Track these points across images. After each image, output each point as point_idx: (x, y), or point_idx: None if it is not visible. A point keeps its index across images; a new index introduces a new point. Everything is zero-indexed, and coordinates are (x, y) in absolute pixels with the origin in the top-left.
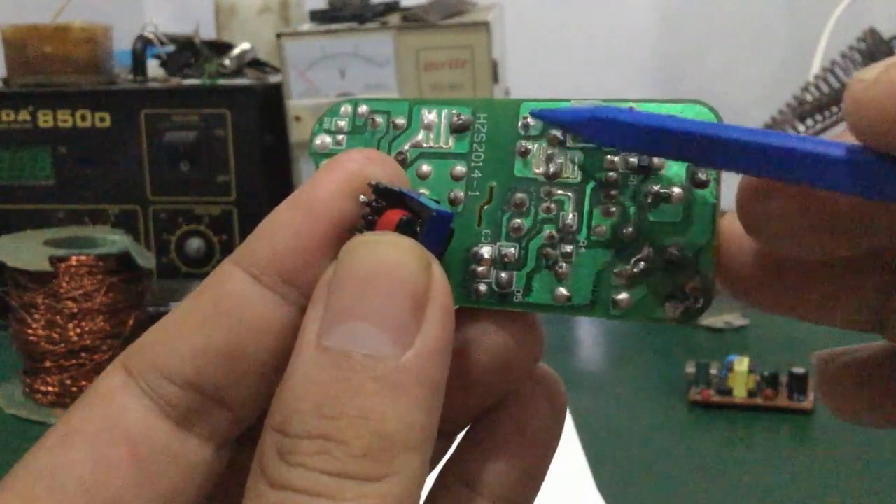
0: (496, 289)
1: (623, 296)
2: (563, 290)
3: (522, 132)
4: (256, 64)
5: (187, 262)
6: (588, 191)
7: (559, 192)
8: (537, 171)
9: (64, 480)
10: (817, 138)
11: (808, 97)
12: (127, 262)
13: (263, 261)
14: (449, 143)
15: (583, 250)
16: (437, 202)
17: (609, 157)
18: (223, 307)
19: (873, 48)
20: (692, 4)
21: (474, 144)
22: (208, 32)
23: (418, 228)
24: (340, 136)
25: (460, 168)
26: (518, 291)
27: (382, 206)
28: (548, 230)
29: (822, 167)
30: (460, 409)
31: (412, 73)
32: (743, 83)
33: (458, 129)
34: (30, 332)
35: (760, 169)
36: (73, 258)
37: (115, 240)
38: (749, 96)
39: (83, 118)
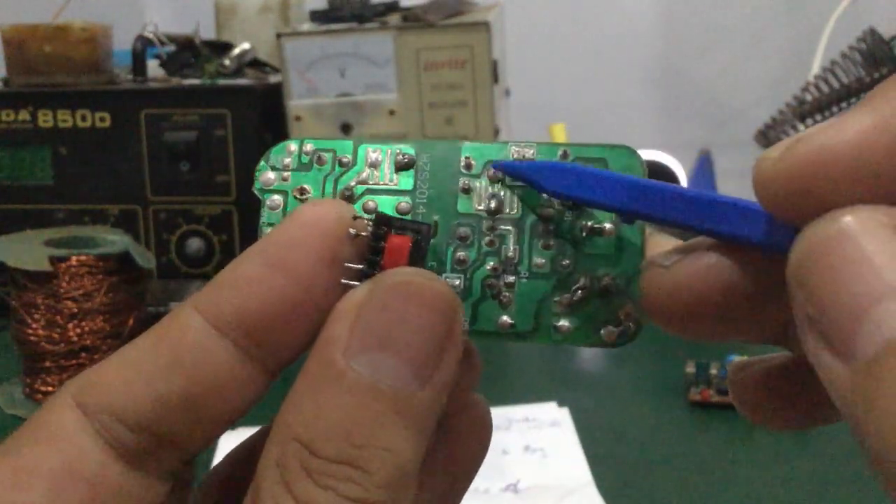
0: None
1: (563, 322)
2: (506, 318)
3: (464, 171)
4: (256, 64)
5: (187, 262)
6: (528, 225)
7: (501, 226)
8: (479, 207)
9: None
10: (734, 198)
11: (808, 97)
12: (127, 262)
13: (229, 315)
14: (394, 180)
15: (524, 281)
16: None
17: (545, 194)
18: (184, 358)
19: (873, 48)
20: (692, 5)
21: (418, 182)
22: (208, 32)
23: (423, 246)
24: (286, 173)
25: (405, 204)
26: (465, 320)
27: (384, 232)
28: (491, 262)
29: (731, 219)
30: None
31: (412, 73)
32: (743, 83)
33: (402, 168)
34: (30, 332)
35: (689, 219)
36: (73, 258)
37: (115, 240)
38: (749, 96)
39: (83, 118)
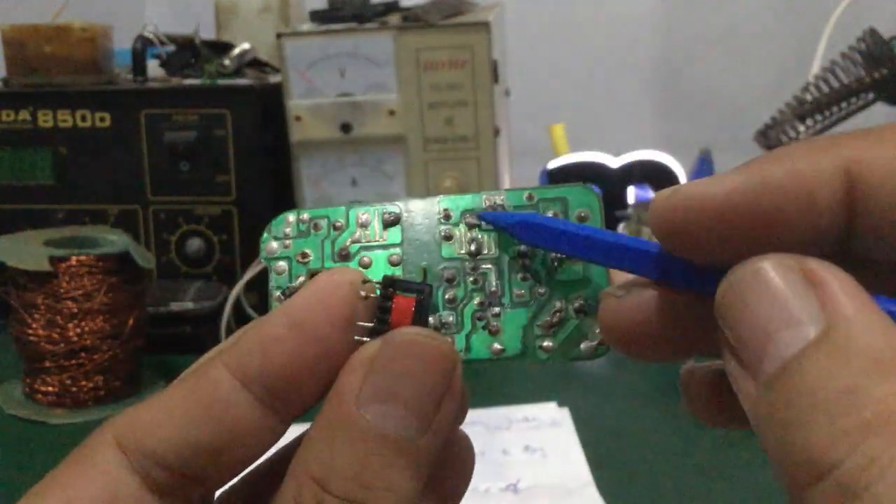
0: None
1: (547, 343)
2: (497, 345)
3: (444, 221)
4: (256, 64)
5: (187, 262)
6: (506, 262)
7: (482, 266)
8: (461, 251)
9: None
10: (647, 241)
11: (808, 97)
12: (127, 262)
13: (253, 372)
14: (384, 236)
15: (508, 311)
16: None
17: None
18: (212, 411)
19: (873, 48)
20: (692, 5)
21: (405, 235)
22: (208, 32)
23: (425, 304)
24: (288, 241)
25: (396, 256)
26: (461, 350)
27: (391, 293)
28: (477, 298)
29: (640, 260)
30: None
31: (412, 73)
32: (743, 83)
33: (389, 224)
34: (30, 332)
35: (618, 261)
36: (73, 258)
37: (115, 240)
38: (749, 96)
39: (83, 118)
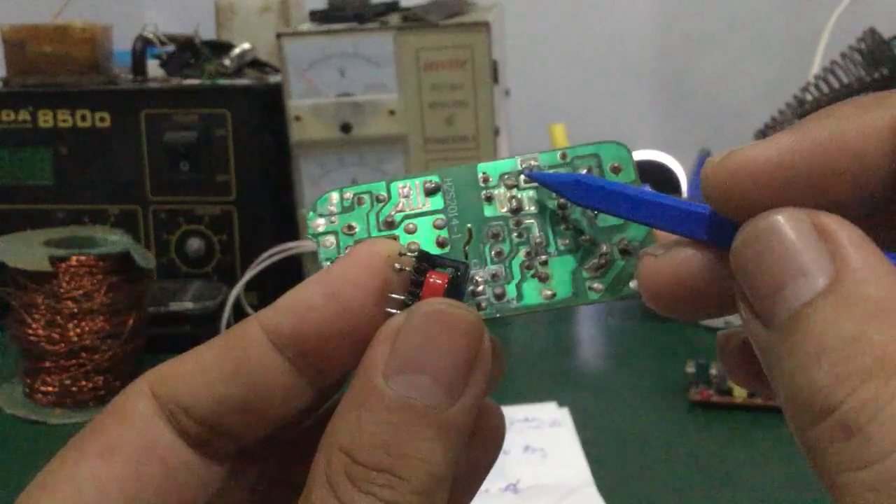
0: (495, 301)
1: (597, 284)
2: (548, 291)
3: (483, 184)
4: (256, 64)
5: (187, 262)
6: (547, 215)
7: (525, 220)
8: (503, 210)
9: (109, 491)
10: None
11: (808, 97)
12: (127, 262)
13: (287, 335)
14: (426, 204)
15: (555, 258)
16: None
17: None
18: (244, 369)
19: (873, 48)
20: (692, 5)
21: (447, 201)
22: (208, 32)
23: (459, 282)
24: (333, 217)
25: (440, 220)
26: (513, 299)
27: (426, 267)
28: (523, 249)
29: (689, 221)
30: None
31: (412, 73)
32: (743, 83)
33: (430, 193)
34: (30, 332)
35: (663, 222)
36: (73, 258)
37: (115, 240)
38: (749, 96)
39: (83, 118)
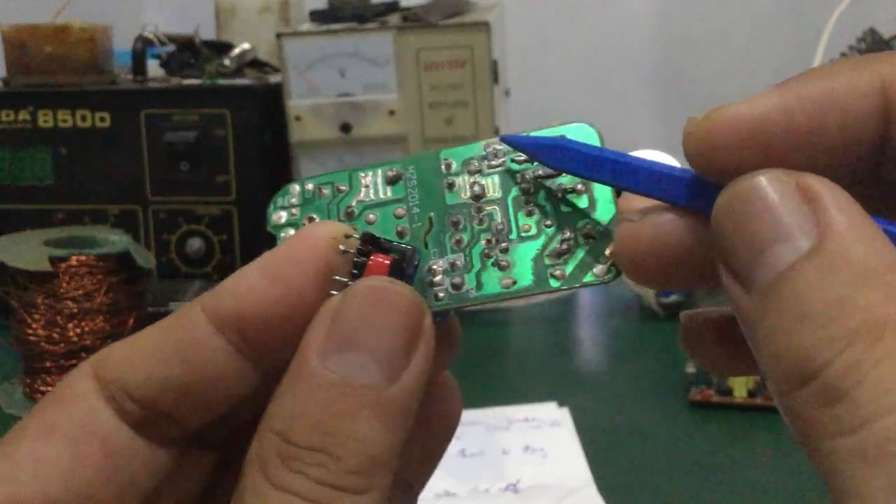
0: (452, 291)
1: (559, 271)
2: (508, 279)
3: (445, 171)
4: (256, 64)
5: (187, 262)
6: (510, 201)
7: (487, 207)
8: (465, 196)
9: (47, 469)
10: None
11: None
12: (127, 262)
13: (228, 318)
14: (387, 193)
15: (516, 245)
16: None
17: (518, 174)
18: (185, 351)
19: (873, 48)
20: (692, 5)
21: (408, 189)
22: (208, 32)
23: (404, 267)
24: (294, 210)
25: (400, 209)
26: (472, 288)
27: (369, 250)
28: (484, 237)
29: (670, 185)
30: None
31: (412, 73)
32: (743, 83)
33: (392, 182)
34: (30, 332)
35: (648, 187)
36: (73, 258)
37: (115, 240)
38: (749, 96)
39: (83, 118)
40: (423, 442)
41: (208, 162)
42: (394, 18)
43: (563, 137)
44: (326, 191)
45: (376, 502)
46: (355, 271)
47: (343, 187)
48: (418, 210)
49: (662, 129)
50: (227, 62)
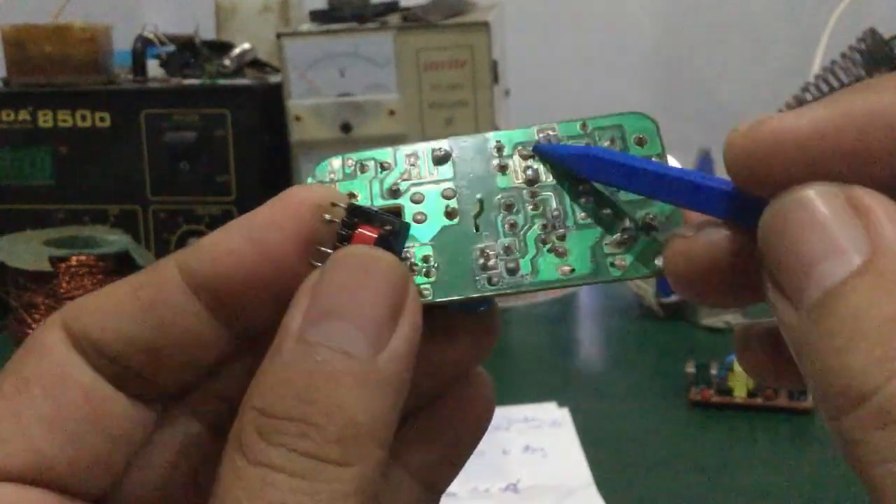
0: (507, 276)
1: (619, 260)
2: (566, 266)
3: (496, 154)
4: (256, 64)
5: None
6: (566, 187)
7: (542, 192)
8: (517, 180)
9: (28, 422)
10: (725, 183)
11: (808, 97)
12: (127, 262)
13: (203, 280)
14: (435, 173)
15: (574, 232)
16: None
17: None
18: (156, 310)
19: (873, 48)
20: (692, 5)
21: (457, 169)
22: (208, 32)
23: (391, 241)
24: (333, 185)
25: (449, 190)
26: (528, 274)
27: (355, 222)
28: (539, 222)
29: (710, 198)
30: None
31: (412, 73)
32: (743, 83)
33: (439, 161)
34: (30, 332)
35: (686, 200)
36: (73, 258)
37: (115, 240)
38: (749, 96)
39: (83, 118)
40: (449, 440)
41: (208, 162)
42: (394, 18)
43: (593, 146)
44: (369, 165)
45: (362, 478)
46: (340, 244)
47: (387, 163)
48: (468, 191)
49: (662, 129)
50: (227, 62)
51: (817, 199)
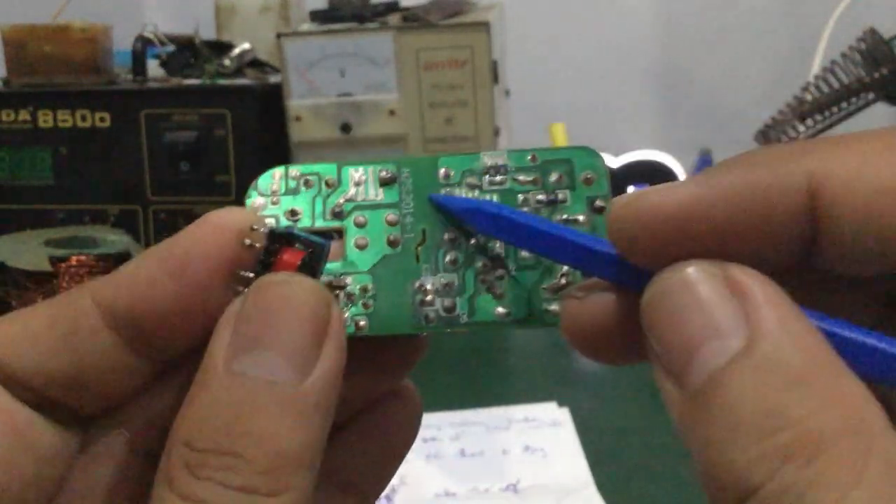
0: (443, 314)
1: (554, 306)
2: (501, 309)
3: (444, 181)
4: (256, 64)
5: None
6: None
7: None
8: None
9: None
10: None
11: (808, 97)
12: (127, 262)
13: (120, 312)
14: (379, 195)
15: (513, 273)
16: (317, 233)
17: (520, 195)
18: (72, 343)
19: (873, 48)
20: (692, 5)
21: (403, 195)
22: (208, 32)
23: (314, 264)
24: (276, 198)
25: (393, 215)
26: (463, 314)
27: (277, 248)
28: (480, 260)
29: (596, 261)
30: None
31: (412, 73)
32: (743, 83)
33: (385, 183)
34: None
35: (575, 262)
36: (73, 258)
37: (115, 240)
38: (749, 96)
39: (83, 118)
40: (378, 451)
41: (208, 162)
42: (394, 18)
43: (484, 201)
44: (314, 181)
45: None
46: (262, 270)
47: (332, 180)
48: (412, 219)
49: (662, 130)
50: (227, 62)
51: (697, 277)
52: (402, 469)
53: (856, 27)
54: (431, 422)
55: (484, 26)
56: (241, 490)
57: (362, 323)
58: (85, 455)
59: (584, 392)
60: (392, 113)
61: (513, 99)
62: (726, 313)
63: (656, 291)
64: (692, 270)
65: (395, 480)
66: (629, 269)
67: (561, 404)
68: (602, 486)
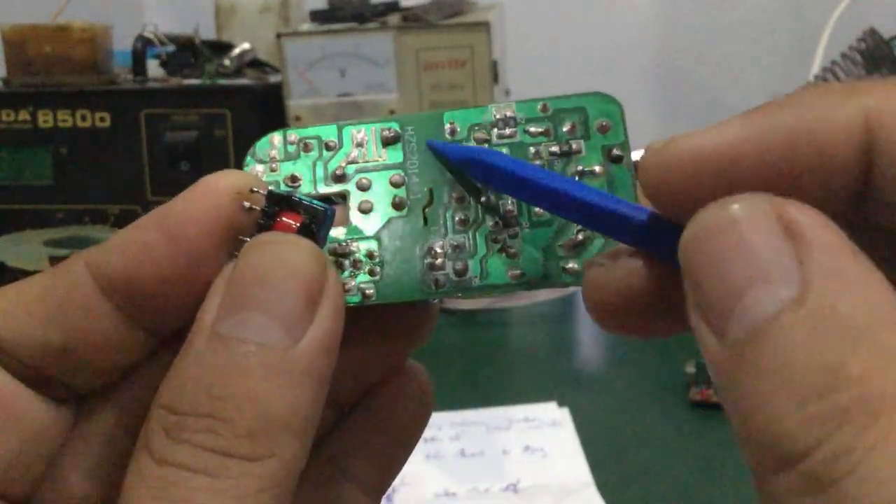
0: (454, 277)
1: (571, 265)
2: (516, 270)
3: (450, 137)
4: (256, 64)
5: None
6: None
7: None
8: None
9: None
10: (628, 205)
11: None
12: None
13: (116, 280)
14: (383, 156)
15: (527, 230)
16: (320, 199)
17: (532, 147)
18: (67, 314)
19: (873, 48)
20: (692, 5)
21: (407, 154)
22: (208, 32)
23: (314, 229)
24: (274, 165)
25: (398, 176)
26: (475, 277)
27: (275, 210)
28: (491, 219)
29: (620, 224)
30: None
31: (412, 73)
32: (743, 83)
33: (389, 143)
34: None
35: (590, 224)
36: None
37: None
38: (749, 96)
39: (83, 118)
40: (385, 443)
41: (208, 162)
42: (394, 18)
43: (485, 149)
44: (313, 145)
45: (275, 473)
46: (260, 233)
47: (332, 143)
48: (418, 179)
49: (663, 130)
50: (227, 62)
51: (744, 215)
52: (403, 469)
53: (856, 27)
54: (432, 421)
55: (484, 26)
56: (221, 453)
57: (369, 291)
58: (76, 434)
59: (584, 392)
60: (392, 113)
61: (513, 99)
62: (776, 257)
63: (698, 230)
64: (739, 207)
65: (395, 480)
66: (662, 234)
67: (561, 404)
68: (602, 486)
